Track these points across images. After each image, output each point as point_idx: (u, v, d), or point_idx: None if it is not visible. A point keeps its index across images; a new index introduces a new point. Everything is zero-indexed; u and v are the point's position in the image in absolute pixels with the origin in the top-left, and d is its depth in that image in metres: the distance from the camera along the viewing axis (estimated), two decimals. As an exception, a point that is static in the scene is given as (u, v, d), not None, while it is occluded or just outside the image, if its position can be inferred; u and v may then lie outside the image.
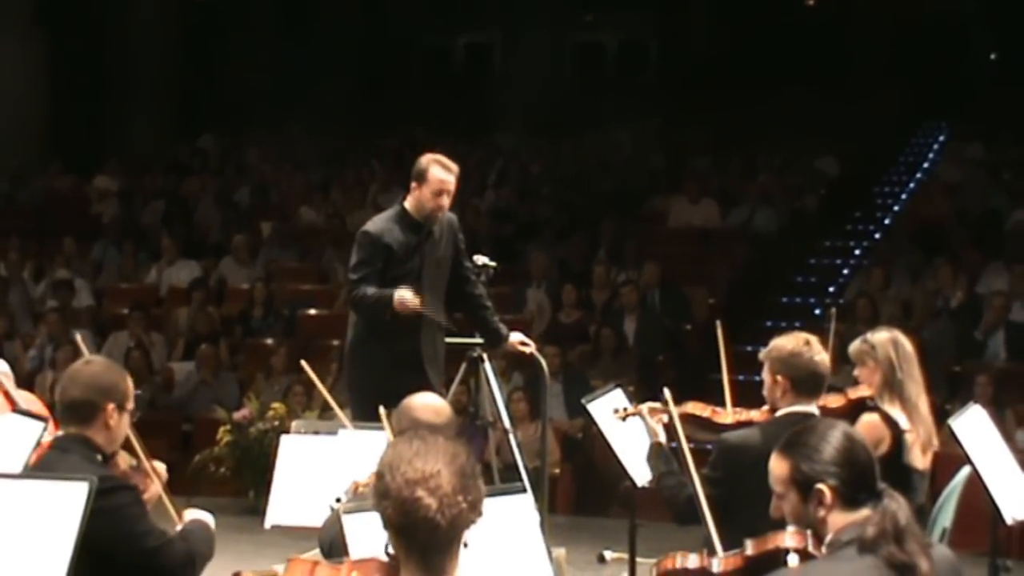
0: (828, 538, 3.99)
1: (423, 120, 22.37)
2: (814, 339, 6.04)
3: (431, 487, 3.36)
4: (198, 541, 5.17)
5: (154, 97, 22.55)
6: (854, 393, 6.66)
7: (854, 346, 6.75)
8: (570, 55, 26.08)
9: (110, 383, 5.06)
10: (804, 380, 5.91)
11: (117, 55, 22.18)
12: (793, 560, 4.23)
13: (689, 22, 24.51)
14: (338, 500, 5.60)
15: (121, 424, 5.09)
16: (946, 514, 6.96)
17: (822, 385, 5.98)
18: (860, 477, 4.00)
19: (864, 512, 3.95)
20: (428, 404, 5.36)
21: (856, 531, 3.90)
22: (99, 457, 5.04)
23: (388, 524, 3.43)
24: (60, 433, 5.11)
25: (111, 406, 5.02)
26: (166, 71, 22.71)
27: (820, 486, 3.97)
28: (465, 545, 3.45)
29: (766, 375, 6.04)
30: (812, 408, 5.91)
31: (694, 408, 6.48)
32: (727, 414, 6.44)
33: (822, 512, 3.99)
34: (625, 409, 6.71)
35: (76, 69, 21.23)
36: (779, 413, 5.96)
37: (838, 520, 3.97)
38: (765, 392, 6.06)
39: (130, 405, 5.13)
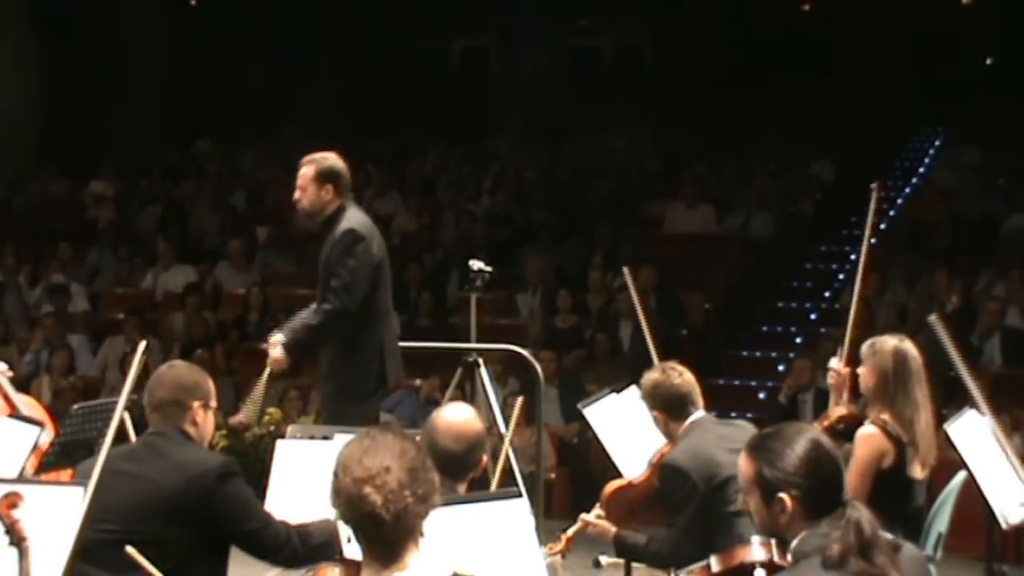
0: (792, 545, 3.97)
1: (419, 124, 22.38)
2: (669, 366, 6.40)
3: (377, 484, 3.59)
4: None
5: (149, 102, 22.53)
6: (826, 422, 6.79)
7: (864, 346, 6.80)
8: (566, 60, 26.05)
9: (193, 383, 5.46)
10: (673, 405, 6.27)
11: (112, 60, 22.16)
12: (760, 575, 4.24)
13: (685, 27, 24.50)
14: None
15: (207, 421, 5.50)
16: (942, 519, 6.96)
17: (693, 398, 6.30)
18: (823, 488, 3.97)
19: (825, 522, 3.91)
20: (451, 428, 5.16)
21: (818, 540, 3.87)
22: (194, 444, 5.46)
23: (344, 521, 3.67)
24: (154, 429, 5.43)
25: (196, 404, 5.42)
26: (161, 76, 22.70)
27: (782, 495, 3.95)
28: (422, 535, 3.65)
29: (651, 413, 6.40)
30: (701, 413, 6.28)
31: (610, 488, 6.59)
32: (638, 476, 6.56)
33: (783, 519, 3.96)
34: (556, 543, 6.75)
35: (71, 74, 21.21)
36: (680, 431, 6.24)
37: (800, 528, 3.96)
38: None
39: (213, 403, 5.54)
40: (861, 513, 3.90)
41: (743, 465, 4.08)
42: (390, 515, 3.56)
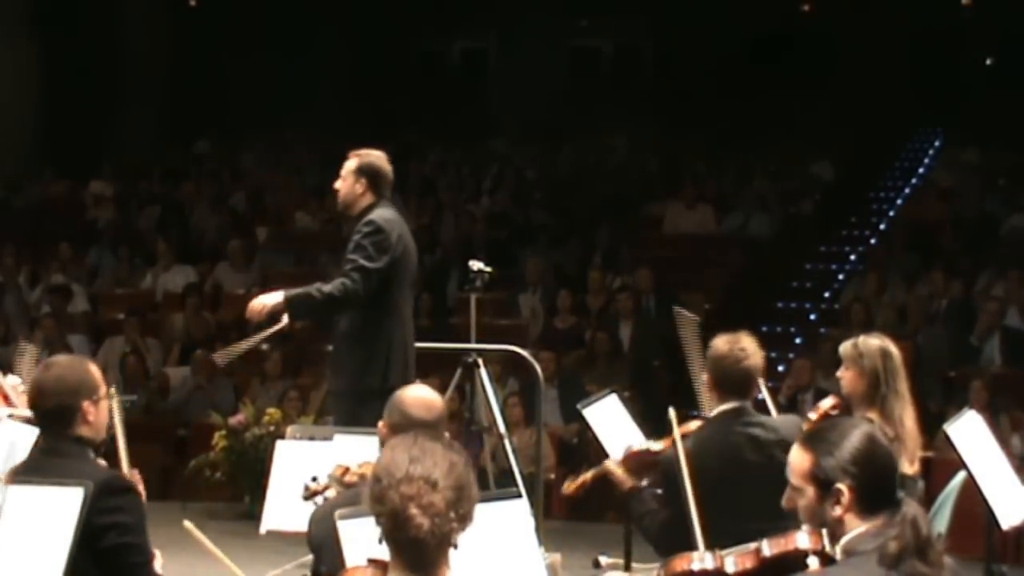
0: (843, 541, 3.93)
1: (419, 125, 22.39)
2: (745, 340, 6.16)
3: (424, 504, 3.46)
4: None
5: (149, 102, 22.54)
6: (817, 413, 6.74)
7: (844, 347, 6.78)
8: (565, 60, 26.06)
9: (77, 381, 5.05)
10: (724, 380, 6.07)
11: (111, 60, 22.15)
12: (813, 563, 4.19)
13: (684, 27, 24.49)
14: (314, 479, 5.59)
15: (101, 414, 5.09)
16: (942, 519, 6.97)
17: (746, 385, 6.12)
18: (880, 481, 3.94)
19: (880, 519, 3.89)
20: (420, 399, 5.21)
21: (875, 541, 3.84)
22: (91, 453, 5.06)
23: (381, 527, 3.54)
24: (43, 444, 5.08)
25: (86, 403, 5.02)
26: (161, 76, 22.70)
27: (840, 486, 3.90)
28: (455, 547, 3.55)
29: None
30: (745, 403, 6.07)
31: (634, 449, 6.54)
32: (660, 441, 6.49)
33: (838, 512, 3.91)
34: (573, 480, 6.76)
35: (71, 74, 21.21)
36: (712, 414, 6.12)
37: (853, 523, 3.91)
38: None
39: (103, 391, 5.10)
40: (917, 511, 3.89)
41: (797, 459, 4.01)
42: (435, 538, 3.48)
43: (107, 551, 4.79)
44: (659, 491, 6.21)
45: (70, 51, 21.24)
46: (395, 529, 3.49)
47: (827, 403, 6.80)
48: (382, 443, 5.24)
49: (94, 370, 5.13)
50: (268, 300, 8.02)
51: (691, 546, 5.39)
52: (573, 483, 6.72)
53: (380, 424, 5.26)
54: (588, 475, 6.65)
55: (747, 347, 6.11)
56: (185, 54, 23.12)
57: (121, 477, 5.01)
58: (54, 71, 21.21)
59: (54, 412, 4.99)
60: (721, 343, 6.14)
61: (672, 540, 5.68)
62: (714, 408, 6.12)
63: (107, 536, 4.77)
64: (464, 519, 3.54)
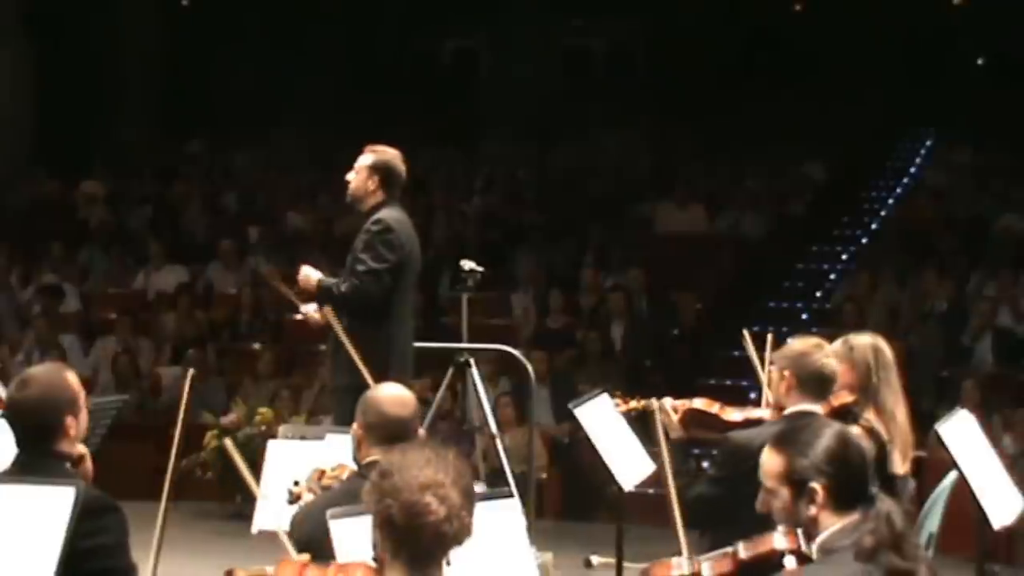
0: (820, 539, 3.98)
1: (410, 125, 22.35)
2: (826, 343, 6.14)
3: (440, 495, 3.45)
4: None
5: (141, 102, 22.51)
6: (836, 400, 6.67)
7: (834, 345, 6.78)
8: (557, 60, 26.02)
9: (58, 397, 4.86)
10: (809, 380, 6.01)
11: (104, 60, 22.13)
12: (790, 562, 4.21)
13: (677, 27, 24.48)
14: (296, 484, 5.60)
15: (81, 424, 4.93)
16: (933, 519, 6.97)
17: (828, 387, 6.07)
18: (854, 479, 4.01)
19: (855, 515, 3.94)
20: (394, 396, 5.25)
21: (850, 536, 3.89)
22: (68, 465, 4.93)
23: (387, 523, 3.48)
24: (21, 460, 4.89)
25: (69, 418, 4.85)
26: (153, 76, 22.68)
27: (814, 484, 3.97)
28: (448, 563, 3.53)
29: (774, 373, 6.18)
30: (817, 408, 5.98)
31: (702, 404, 6.53)
32: (735, 411, 6.48)
33: (813, 511, 3.98)
34: (625, 401, 6.80)
35: (63, 74, 21.18)
36: (786, 412, 6.03)
37: (828, 521, 3.97)
38: (770, 390, 6.16)
39: (82, 400, 4.93)
40: (891, 505, 3.93)
41: (770, 462, 4.09)
42: (453, 529, 3.46)
43: (90, 574, 4.66)
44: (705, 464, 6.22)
45: (63, 51, 21.21)
46: (410, 517, 3.44)
47: (840, 400, 6.77)
48: (357, 444, 5.24)
49: (73, 381, 4.94)
50: (310, 274, 8.23)
51: (722, 523, 5.43)
52: (626, 404, 6.78)
53: (354, 425, 5.25)
54: (640, 403, 6.69)
55: (826, 348, 6.13)
56: (177, 54, 23.09)
57: (102, 497, 4.80)
58: (47, 71, 21.18)
59: (35, 430, 4.83)
60: (800, 342, 6.16)
61: (704, 513, 5.84)
62: (790, 407, 6.04)
63: (90, 560, 4.62)
64: (470, 525, 3.54)
